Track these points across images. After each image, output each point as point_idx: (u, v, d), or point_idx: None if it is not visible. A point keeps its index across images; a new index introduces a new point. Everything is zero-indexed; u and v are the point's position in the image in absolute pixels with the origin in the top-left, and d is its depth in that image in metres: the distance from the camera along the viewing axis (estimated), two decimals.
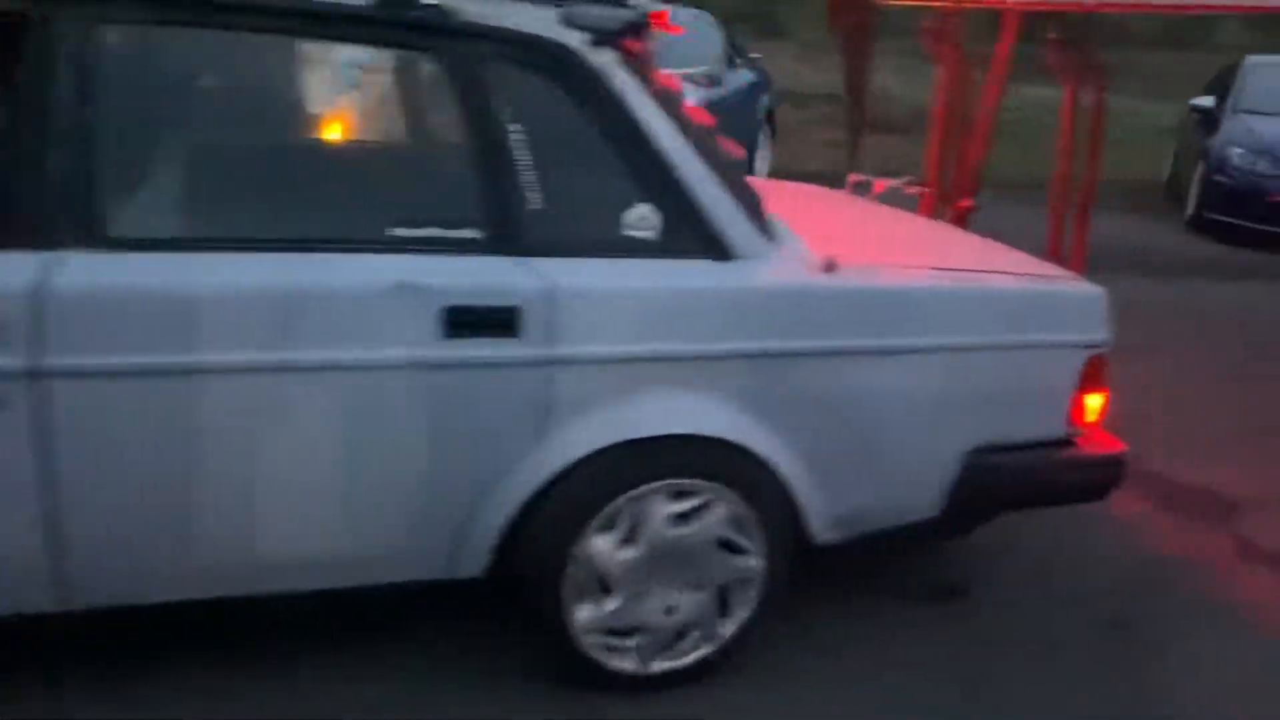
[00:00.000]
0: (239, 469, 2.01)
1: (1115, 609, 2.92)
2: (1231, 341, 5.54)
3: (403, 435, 2.09)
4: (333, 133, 2.28)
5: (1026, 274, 2.66)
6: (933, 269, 2.54)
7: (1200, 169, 8.69)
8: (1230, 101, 8.89)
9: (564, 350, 2.14)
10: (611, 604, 2.29)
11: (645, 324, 2.21)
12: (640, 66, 2.28)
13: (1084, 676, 2.63)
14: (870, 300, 2.40)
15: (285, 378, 1.99)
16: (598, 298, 2.17)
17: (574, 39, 2.16)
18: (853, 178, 3.77)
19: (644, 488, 2.24)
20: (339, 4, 2.03)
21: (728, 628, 2.41)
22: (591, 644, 2.31)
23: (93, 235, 1.89)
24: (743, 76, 8.34)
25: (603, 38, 2.19)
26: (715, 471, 2.29)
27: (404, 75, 2.34)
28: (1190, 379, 4.79)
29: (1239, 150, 8.39)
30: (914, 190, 4.08)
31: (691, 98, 6.22)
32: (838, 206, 3.52)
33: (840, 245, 2.54)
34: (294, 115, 2.27)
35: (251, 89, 2.21)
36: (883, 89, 13.39)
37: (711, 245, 2.27)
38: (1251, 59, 9.27)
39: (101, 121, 1.90)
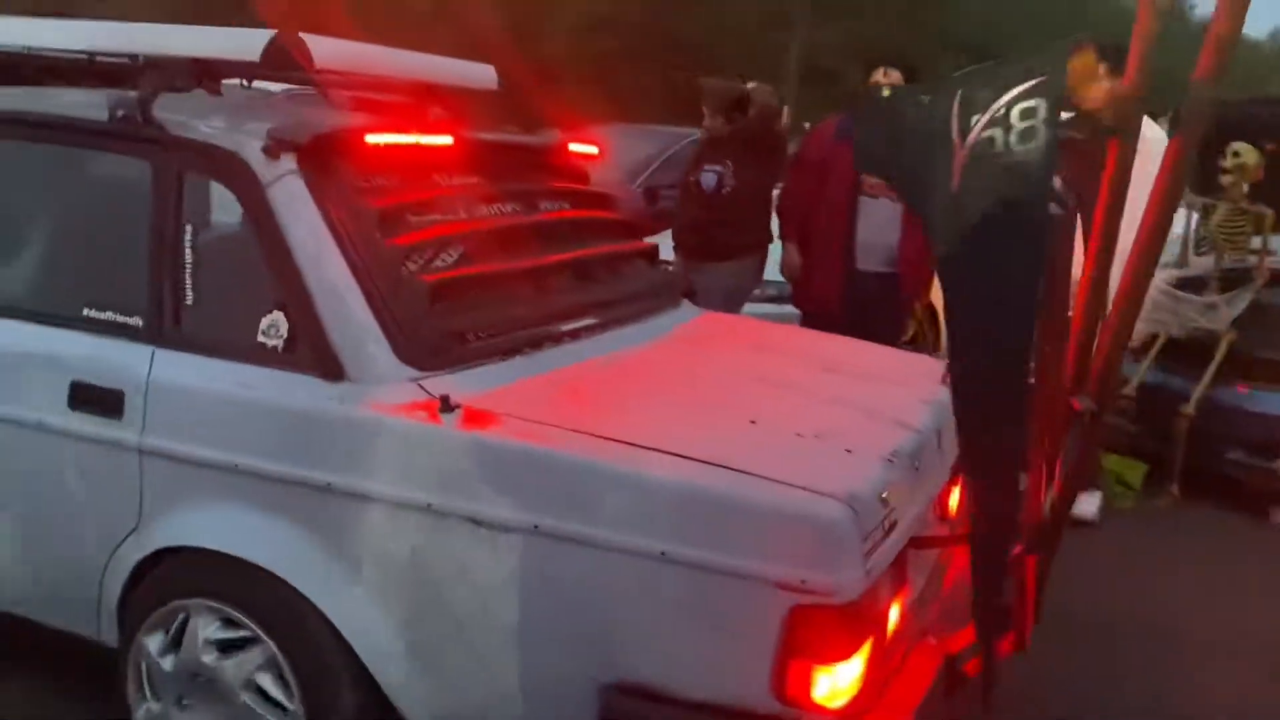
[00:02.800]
0: None
1: None
2: None
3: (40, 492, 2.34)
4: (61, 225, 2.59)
5: (720, 465, 1.89)
6: (592, 435, 1.98)
7: None
8: None
9: (150, 440, 2.19)
10: (155, 707, 2.22)
11: (216, 429, 2.15)
12: (339, 177, 2.26)
13: None
14: (464, 453, 1.98)
15: None
16: (181, 394, 2.18)
17: (250, 148, 2.23)
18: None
19: (192, 600, 2.16)
20: (90, 119, 2.40)
21: None
22: None
23: None
24: None
25: (280, 148, 2.22)
26: (258, 607, 2.10)
27: (119, 177, 2.53)
28: None
29: None
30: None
31: None
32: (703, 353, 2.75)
33: (559, 390, 2.17)
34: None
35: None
36: None
37: (324, 362, 2.12)
38: None
39: None
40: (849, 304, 4.43)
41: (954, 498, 2.61)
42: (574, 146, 2.97)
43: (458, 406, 2.02)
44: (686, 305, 3.16)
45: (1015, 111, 1.18)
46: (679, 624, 1.88)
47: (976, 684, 2.30)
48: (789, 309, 4.91)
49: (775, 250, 4.85)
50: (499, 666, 2.00)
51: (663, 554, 1.85)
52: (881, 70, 4.36)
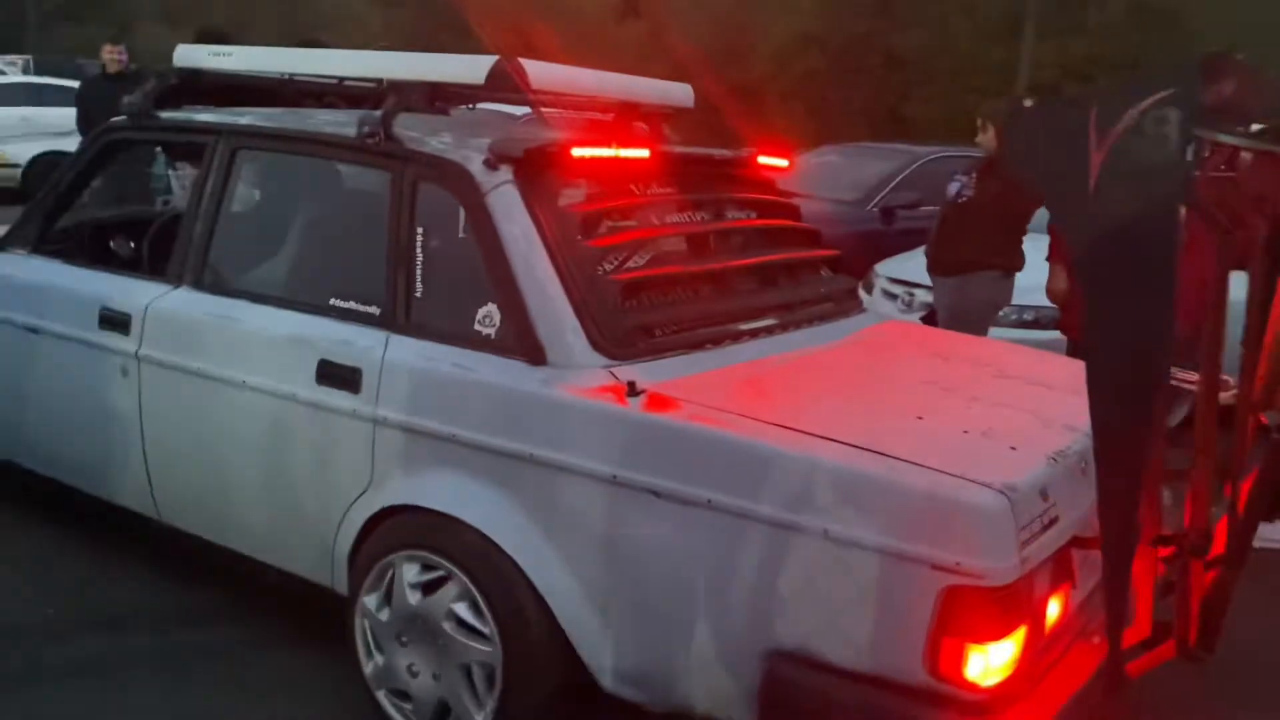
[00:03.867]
0: None
1: None
2: None
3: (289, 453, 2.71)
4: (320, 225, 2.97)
5: (883, 452, 2.02)
6: (764, 422, 2.15)
7: None
8: None
9: (382, 412, 2.52)
10: (380, 660, 2.54)
11: (437, 404, 2.45)
12: (548, 186, 2.54)
13: None
14: (646, 433, 2.20)
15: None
16: (409, 373, 2.50)
17: (473, 161, 2.54)
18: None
19: (406, 552, 2.47)
20: (340, 135, 2.78)
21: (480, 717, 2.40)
22: (383, 698, 2.57)
23: None
24: None
25: (499, 160, 2.52)
26: (454, 553, 2.39)
27: (364, 187, 2.86)
28: None
29: None
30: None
31: None
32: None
33: (748, 382, 2.37)
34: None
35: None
36: None
37: (529, 348, 2.39)
38: None
39: None
40: None
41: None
42: (763, 159, 3.16)
43: (643, 391, 2.25)
44: (871, 313, 3.29)
45: (1148, 120, 1.29)
46: (839, 598, 2.03)
47: (1139, 686, 2.35)
48: (1055, 335, 4.83)
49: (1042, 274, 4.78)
50: (672, 627, 2.20)
51: (825, 532, 2.01)
52: None
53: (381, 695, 2.57)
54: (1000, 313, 5.06)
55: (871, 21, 30.03)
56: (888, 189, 7.75)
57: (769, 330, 2.73)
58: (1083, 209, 1.35)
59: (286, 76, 3.28)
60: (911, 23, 30.22)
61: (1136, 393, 1.38)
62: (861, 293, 6.16)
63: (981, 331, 4.64)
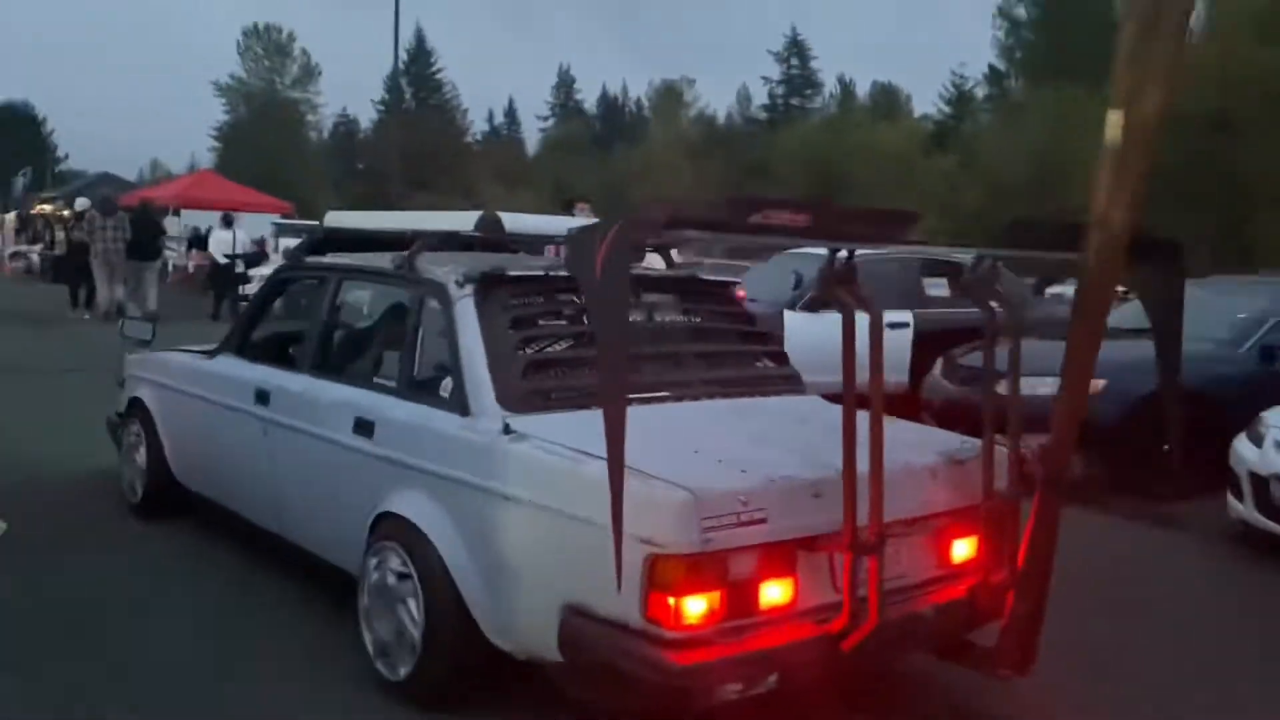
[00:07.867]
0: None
1: None
2: None
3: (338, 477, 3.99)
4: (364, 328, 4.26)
5: (636, 469, 2.86)
6: (579, 452, 3.10)
7: None
8: None
9: (382, 451, 3.73)
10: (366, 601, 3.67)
11: (410, 445, 3.63)
12: (499, 296, 3.71)
13: None
14: (505, 458, 3.25)
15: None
16: (399, 425, 3.70)
17: (450, 280, 3.76)
18: None
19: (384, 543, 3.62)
20: (388, 269, 4.10)
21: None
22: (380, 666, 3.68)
23: None
24: None
25: (465, 281, 3.72)
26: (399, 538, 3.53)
27: (398, 301, 4.13)
28: None
29: None
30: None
31: None
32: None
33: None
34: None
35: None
36: None
37: (461, 405, 3.53)
38: None
39: None
40: None
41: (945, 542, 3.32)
42: (706, 276, 4.16)
43: (513, 432, 3.30)
44: (810, 397, 4.09)
45: (612, 232, 2.26)
46: (601, 567, 2.93)
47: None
48: None
49: None
50: (517, 591, 3.19)
51: (592, 521, 2.94)
52: None
53: (379, 664, 3.67)
54: None
55: (1210, 138, 28.00)
56: (1267, 325, 7.21)
57: (659, 400, 3.68)
58: (594, 287, 2.34)
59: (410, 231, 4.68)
60: (1255, 136, 27.96)
61: (611, 397, 2.34)
62: (1248, 446, 5.62)
63: None
